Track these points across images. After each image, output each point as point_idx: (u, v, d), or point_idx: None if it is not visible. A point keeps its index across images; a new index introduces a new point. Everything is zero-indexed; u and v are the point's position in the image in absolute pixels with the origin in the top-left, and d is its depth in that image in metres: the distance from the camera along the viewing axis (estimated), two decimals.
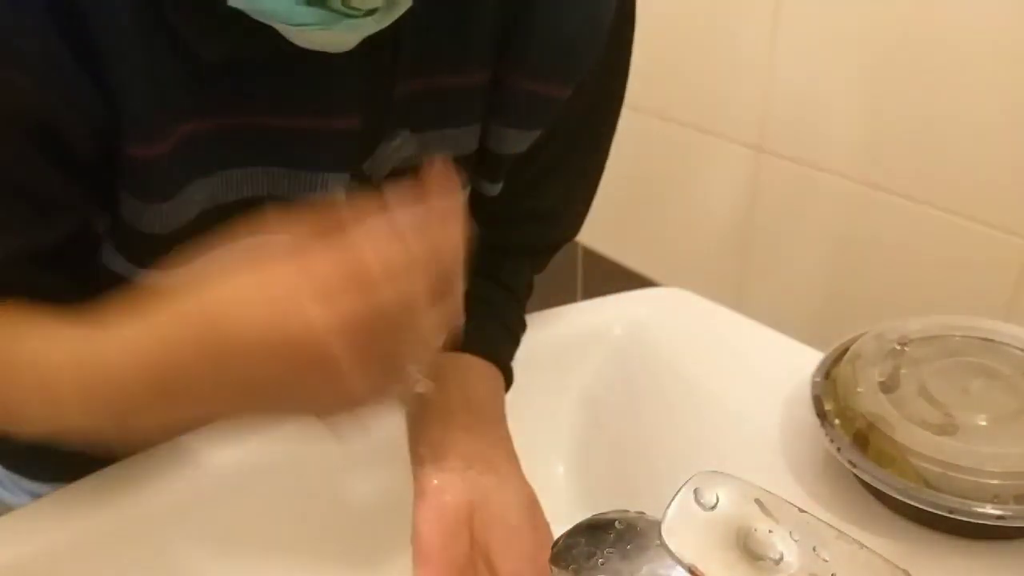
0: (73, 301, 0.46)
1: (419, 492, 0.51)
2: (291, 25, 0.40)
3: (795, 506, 0.38)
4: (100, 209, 0.47)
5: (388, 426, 0.61)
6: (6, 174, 0.42)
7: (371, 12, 0.41)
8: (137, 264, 0.48)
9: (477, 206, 0.59)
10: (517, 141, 0.56)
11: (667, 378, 0.64)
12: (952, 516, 0.46)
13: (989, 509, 0.46)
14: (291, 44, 0.42)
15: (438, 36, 0.49)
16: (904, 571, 0.37)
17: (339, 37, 0.43)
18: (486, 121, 0.55)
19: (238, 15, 0.40)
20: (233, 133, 0.46)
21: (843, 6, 0.93)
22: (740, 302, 1.16)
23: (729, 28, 1.05)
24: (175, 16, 0.41)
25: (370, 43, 0.45)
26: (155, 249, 0.47)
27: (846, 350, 0.56)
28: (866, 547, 0.37)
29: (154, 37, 0.41)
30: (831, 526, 0.38)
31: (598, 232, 1.36)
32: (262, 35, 0.41)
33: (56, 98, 0.40)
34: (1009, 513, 0.46)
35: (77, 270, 0.49)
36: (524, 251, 0.66)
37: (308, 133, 0.47)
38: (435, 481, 0.51)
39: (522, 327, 0.65)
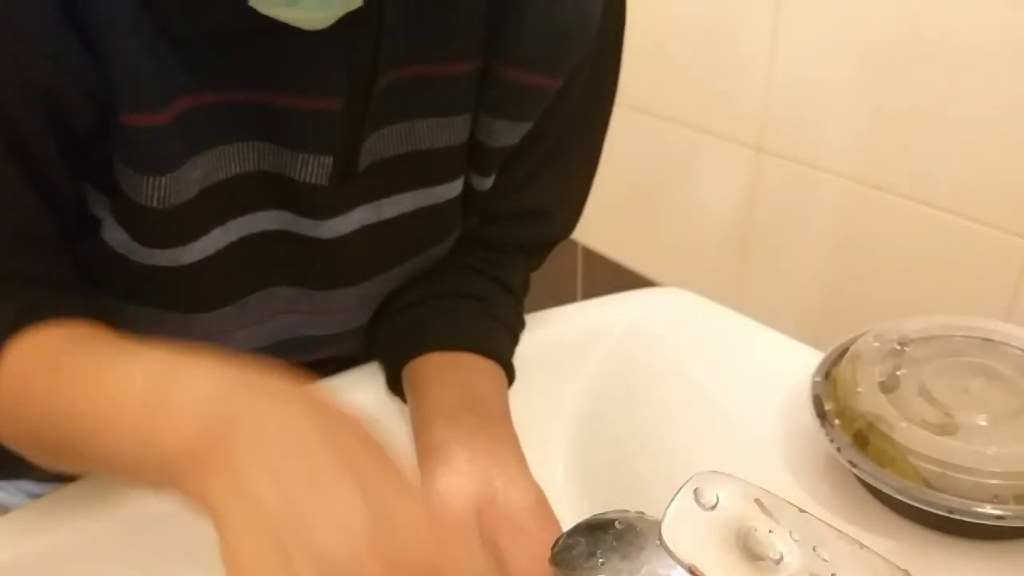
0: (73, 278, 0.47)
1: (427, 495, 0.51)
2: None
3: (795, 506, 0.38)
4: (99, 190, 0.47)
5: (392, 428, 0.61)
6: (15, 146, 0.43)
7: None
8: (139, 241, 0.49)
9: (471, 202, 0.59)
10: (507, 133, 0.56)
11: (667, 378, 0.64)
12: (952, 516, 0.46)
13: (989, 509, 0.46)
14: (272, 21, 0.43)
15: (425, 23, 0.50)
16: (904, 571, 0.37)
17: (308, 14, 0.43)
18: (476, 112, 0.55)
19: None
20: (223, 109, 0.46)
21: (843, 6, 0.93)
22: (740, 302, 1.16)
23: (729, 28, 1.05)
24: None
25: (354, 26, 0.46)
26: (156, 225, 0.47)
27: (846, 350, 0.56)
28: (866, 547, 0.37)
29: (147, 10, 0.42)
30: (831, 526, 0.38)
31: (598, 232, 1.36)
32: (239, 9, 0.42)
33: (57, 66, 0.41)
34: (1009, 513, 0.46)
35: (74, 250, 0.49)
36: (520, 249, 0.66)
37: (290, 111, 0.47)
38: (442, 483, 0.51)
39: (521, 325, 0.65)
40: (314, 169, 0.50)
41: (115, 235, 0.48)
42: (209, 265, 0.50)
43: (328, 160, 0.50)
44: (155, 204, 0.46)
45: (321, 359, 0.68)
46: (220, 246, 0.50)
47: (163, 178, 0.45)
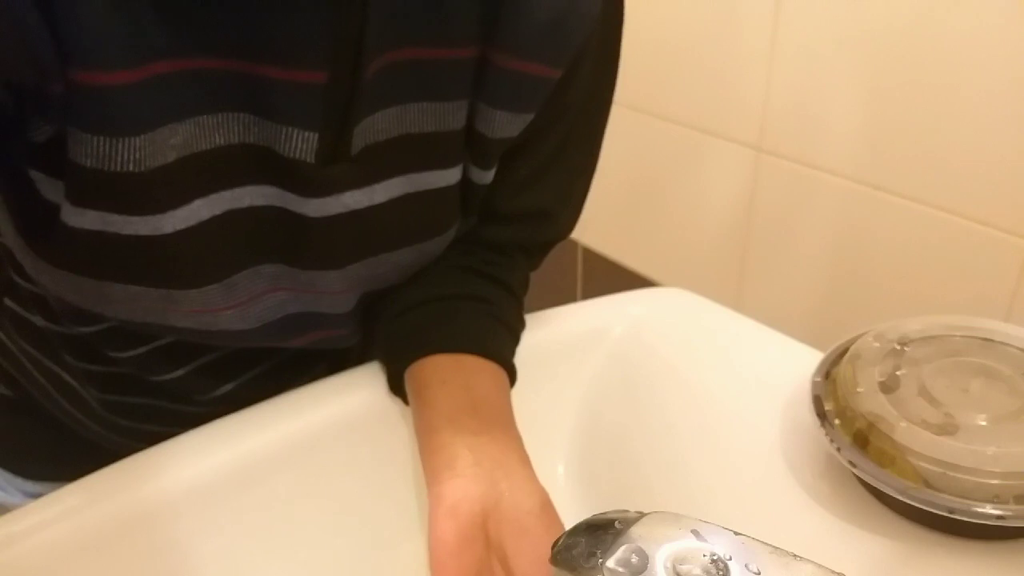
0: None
1: (433, 499, 0.51)
2: None
3: (730, 530, 0.40)
4: (49, 175, 0.46)
5: (394, 430, 0.61)
6: None
7: None
8: (116, 211, 0.47)
9: (471, 198, 0.59)
10: (507, 124, 0.56)
11: (667, 378, 0.64)
12: (952, 516, 0.46)
13: (989, 509, 0.46)
14: None
15: (415, 3, 0.50)
16: (839, 574, 0.38)
17: None
18: (474, 101, 0.55)
19: None
20: (204, 76, 0.46)
21: (843, 7, 0.93)
22: (740, 302, 1.16)
23: (729, 28, 1.05)
24: None
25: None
26: (134, 191, 0.46)
27: (846, 350, 0.56)
28: (801, 557, 0.38)
29: None
30: (766, 543, 0.39)
31: (598, 232, 1.37)
32: None
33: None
34: (1009, 513, 0.46)
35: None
36: (521, 249, 0.66)
37: (274, 83, 0.47)
38: (448, 488, 0.51)
39: (521, 324, 0.65)
40: (299, 144, 0.49)
41: (80, 216, 0.47)
42: (194, 237, 0.49)
43: (313, 136, 0.49)
44: (131, 168, 0.45)
45: (312, 352, 0.68)
46: (204, 218, 0.49)
47: (137, 139, 0.44)
